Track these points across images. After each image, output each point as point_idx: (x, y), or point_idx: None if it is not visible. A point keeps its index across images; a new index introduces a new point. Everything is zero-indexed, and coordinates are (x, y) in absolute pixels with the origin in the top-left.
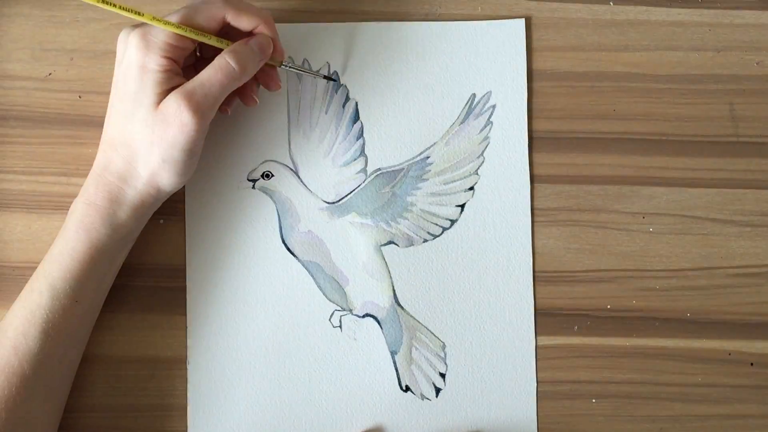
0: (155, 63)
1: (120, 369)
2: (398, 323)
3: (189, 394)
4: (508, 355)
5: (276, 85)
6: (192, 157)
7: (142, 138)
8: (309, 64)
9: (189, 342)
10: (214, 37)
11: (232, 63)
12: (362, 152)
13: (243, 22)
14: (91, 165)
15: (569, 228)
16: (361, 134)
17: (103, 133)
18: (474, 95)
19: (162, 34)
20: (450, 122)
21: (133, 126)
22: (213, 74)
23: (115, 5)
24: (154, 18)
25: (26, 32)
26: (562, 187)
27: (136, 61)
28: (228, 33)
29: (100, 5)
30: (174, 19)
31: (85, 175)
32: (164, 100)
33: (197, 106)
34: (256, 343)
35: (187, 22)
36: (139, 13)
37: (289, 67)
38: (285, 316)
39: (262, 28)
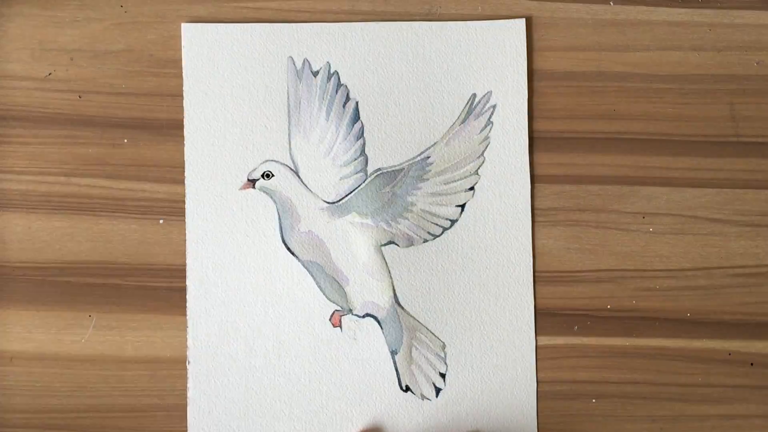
0: None
1: (120, 369)
2: (398, 323)
3: (189, 394)
4: (508, 355)
5: None
6: None
7: None
8: (309, 64)
9: (189, 342)
10: None
11: None
12: (362, 152)
13: None
14: (91, 165)
15: (569, 228)
16: (361, 134)
17: None
18: (474, 95)
19: None
20: (450, 122)
21: None
22: None
23: None
24: None
25: (26, 32)
26: (562, 187)
27: None
28: None
29: None
30: None
31: (85, 175)
32: None
33: None
34: (256, 343)
35: None
36: None
37: None
38: (285, 316)
39: None
